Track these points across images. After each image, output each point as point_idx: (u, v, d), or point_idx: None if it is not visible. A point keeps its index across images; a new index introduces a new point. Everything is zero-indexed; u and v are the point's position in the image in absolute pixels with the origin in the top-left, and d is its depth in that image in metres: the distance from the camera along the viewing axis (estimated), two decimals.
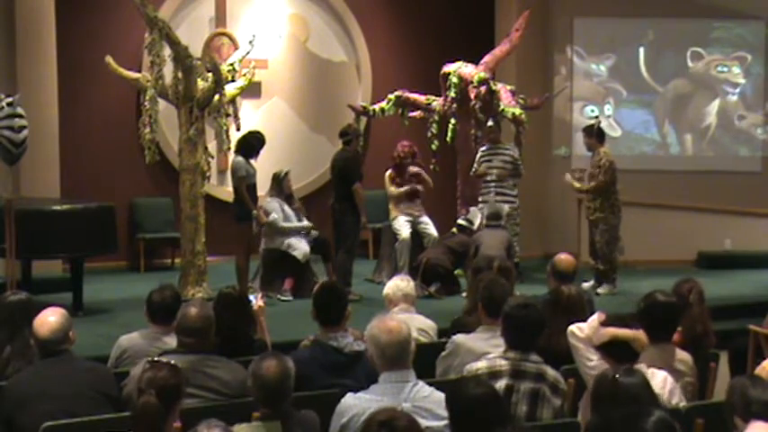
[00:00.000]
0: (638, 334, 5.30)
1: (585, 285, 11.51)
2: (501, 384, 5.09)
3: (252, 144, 11.27)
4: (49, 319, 5.42)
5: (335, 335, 5.68)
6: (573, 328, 5.69)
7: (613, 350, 5.24)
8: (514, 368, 5.21)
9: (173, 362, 4.67)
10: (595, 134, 11.91)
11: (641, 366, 5.25)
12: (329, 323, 5.74)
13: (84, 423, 4.98)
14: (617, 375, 4.48)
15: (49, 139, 12.84)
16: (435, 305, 10.31)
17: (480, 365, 5.25)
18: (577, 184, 11.83)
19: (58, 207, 10.69)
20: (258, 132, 11.48)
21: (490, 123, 12.22)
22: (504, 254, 11.41)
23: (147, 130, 11.23)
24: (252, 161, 11.23)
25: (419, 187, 12.16)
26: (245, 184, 10.97)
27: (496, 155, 12.17)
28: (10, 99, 9.41)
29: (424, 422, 4.35)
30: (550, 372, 5.35)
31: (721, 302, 10.39)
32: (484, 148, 12.26)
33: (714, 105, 15.36)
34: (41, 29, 12.94)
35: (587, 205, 11.91)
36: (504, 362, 5.25)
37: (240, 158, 11.09)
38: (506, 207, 11.96)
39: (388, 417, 3.91)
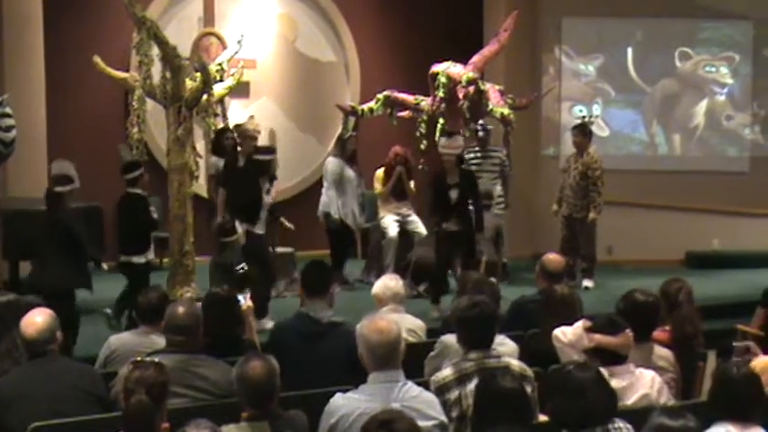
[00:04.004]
0: (622, 340, 5.33)
1: (587, 284, 11.92)
2: (472, 386, 5.09)
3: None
4: (36, 319, 5.42)
5: (315, 307, 6.11)
6: (557, 332, 5.75)
7: (600, 354, 5.29)
8: (480, 367, 5.21)
9: (157, 360, 4.66)
10: (588, 134, 12.09)
11: (628, 366, 5.29)
12: (312, 294, 6.17)
13: (72, 423, 4.97)
14: (570, 369, 4.53)
15: (36, 138, 12.79)
16: (424, 305, 10.30)
17: (447, 373, 5.25)
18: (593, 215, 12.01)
19: (44, 207, 10.63)
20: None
21: (483, 126, 12.25)
22: (491, 244, 11.52)
23: (135, 129, 11.21)
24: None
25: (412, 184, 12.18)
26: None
27: (486, 158, 12.19)
28: None
29: None
30: (515, 362, 5.40)
31: (709, 302, 10.40)
32: (474, 150, 12.29)
33: (702, 105, 15.39)
34: (29, 28, 12.89)
35: (572, 203, 11.98)
36: (468, 363, 5.25)
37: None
38: (498, 188, 12.01)
39: (389, 418, 3.94)
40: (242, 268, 9.17)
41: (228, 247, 9.60)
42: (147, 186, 9.97)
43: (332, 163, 11.95)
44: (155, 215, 9.92)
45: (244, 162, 10.57)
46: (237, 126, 11.36)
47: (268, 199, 10.83)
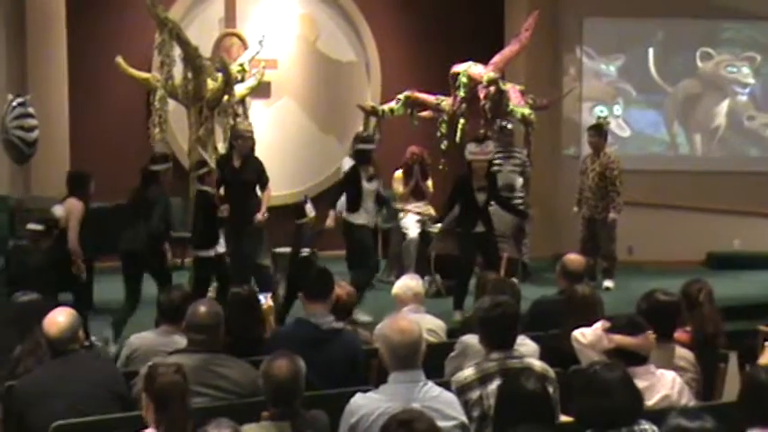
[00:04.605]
0: (642, 341, 5.32)
1: (608, 284, 11.93)
2: (493, 386, 5.09)
3: None
4: (59, 319, 5.45)
5: (316, 313, 6.07)
6: (576, 333, 5.74)
7: (622, 355, 5.28)
8: (502, 367, 5.20)
9: (177, 359, 4.69)
10: (604, 134, 12.14)
11: (649, 367, 5.27)
12: (313, 299, 6.14)
13: (94, 422, 4.99)
14: (596, 369, 4.52)
15: (59, 138, 12.87)
16: (445, 305, 10.27)
17: (469, 373, 5.23)
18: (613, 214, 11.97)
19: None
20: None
21: (504, 124, 12.20)
22: (512, 241, 11.42)
23: (157, 129, 11.27)
24: None
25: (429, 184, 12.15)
26: None
27: (508, 158, 12.15)
28: (21, 99, 9.47)
29: None
30: (537, 363, 5.38)
31: (730, 303, 10.35)
32: (497, 150, 12.27)
33: (724, 106, 15.33)
34: (52, 29, 12.97)
35: (593, 204, 11.96)
36: (491, 364, 5.23)
37: None
38: (520, 180, 11.98)
39: (409, 418, 3.95)
40: (308, 252, 9.32)
41: (304, 228, 9.86)
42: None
43: (348, 163, 11.96)
44: (223, 213, 10.00)
45: (239, 162, 10.45)
46: (232, 127, 11.31)
47: None
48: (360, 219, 10.45)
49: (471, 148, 10.35)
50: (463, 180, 10.33)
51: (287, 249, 11.08)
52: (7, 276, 8.61)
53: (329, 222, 10.30)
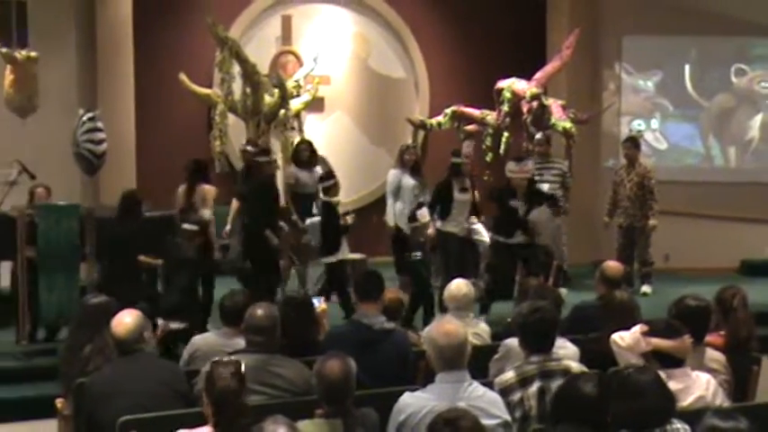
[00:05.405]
0: (678, 344, 5.29)
1: (646, 289, 11.88)
2: (534, 388, 5.08)
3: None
4: (126, 320, 5.49)
5: (368, 314, 6.13)
6: (615, 337, 5.71)
7: (659, 357, 5.25)
8: (542, 370, 5.19)
9: (235, 358, 4.72)
10: (638, 146, 12.27)
11: (685, 369, 5.24)
12: (365, 299, 6.24)
13: (158, 417, 5.03)
14: (630, 371, 4.49)
15: (126, 150, 13.00)
16: (494, 309, 10.21)
17: (509, 376, 5.22)
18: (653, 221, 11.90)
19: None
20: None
21: (539, 136, 12.17)
22: (553, 244, 11.28)
23: (218, 142, 11.37)
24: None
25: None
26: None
27: (547, 168, 12.09)
28: (91, 114, 9.55)
29: None
30: (575, 365, 5.36)
31: (763, 308, 10.25)
32: (536, 161, 12.21)
33: (757, 119, 15.18)
34: (120, 49, 13.12)
35: (631, 213, 11.90)
36: (530, 367, 5.22)
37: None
38: (546, 185, 11.80)
39: (454, 416, 3.95)
40: (416, 256, 9.76)
41: (418, 230, 10.12)
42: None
43: (390, 174, 11.94)
44: (349, 220, 10.17)
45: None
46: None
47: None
48: (449, 227, 10.55)
49: (511, 166, 10.34)
50: (501, 192, 10.35)
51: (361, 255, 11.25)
52: (165, 268, 9.09)
53: (431, 231, 10.41)
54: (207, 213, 9.57)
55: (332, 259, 10.02)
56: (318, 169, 11.37)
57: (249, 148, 11.03)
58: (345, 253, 10.27)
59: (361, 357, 5.15)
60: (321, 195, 10.47)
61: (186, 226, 9.09)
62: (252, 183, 10.38)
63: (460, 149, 10.87)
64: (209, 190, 10.01)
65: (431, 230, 10.42)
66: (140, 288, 9.12)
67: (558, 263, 11.22)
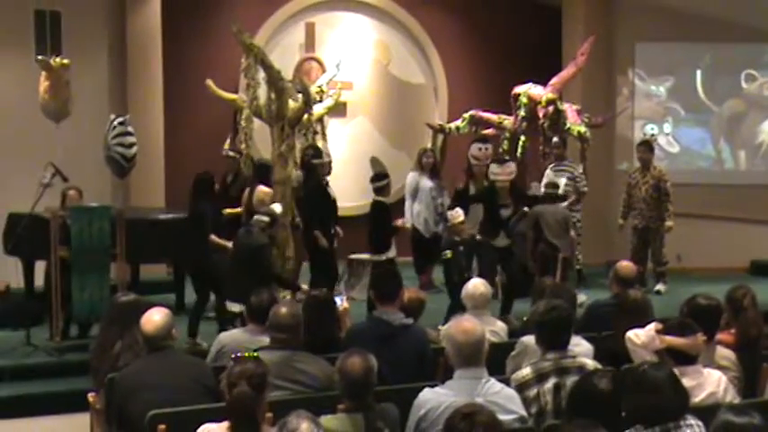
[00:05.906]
0: (691, 341, 5.27)
1: (661, 288, 11.93)
2: (549, 384, 5.07)
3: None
4: (155, 317, 5.51)
5: (388, 311, 6.13)
6: (630, 334, 5.69)
7: (672, 354, 5.23)
8: (557, 367, 5.19)
9: (258, 355, 4.71)
10: (652, 149, 12.21)
11: (698, 366, 5.22)
12: (383, 299, 6.21)
13: (186, 412, 5.04)
14: (645, 367, 4.48)
15: (155, 154, 13.06)
16: (514, 307, 10.16)
17: (526, 372, 5.22)
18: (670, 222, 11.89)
19: (162, 216, 10.83)
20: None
21: (555, 140, 12.16)
22: (565, 240, 10.84)
23: (243, 146, 11.36)
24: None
25: None
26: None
27: (562, 171, 12.06)
28: (121, 119, 9.57)
29: None
30: (589, 362, 5.36)
31: None
32: (551, 166, 12.17)
33: (766, 124, 15.10)
34: (149, 56, 13.19)
35: (647, 215, 11.86)
36: (546, 363, 5.22)
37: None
38: (563, 180, 11.67)
39: (471, 411, 3.95)
40: (445, 255, 9.65)
41: (450, 231, 10.01)
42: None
43: (409, 176, 12.01)
44: (407, 225, 10.20)
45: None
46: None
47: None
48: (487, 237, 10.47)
49: (494, 168, 10.24)
50: (487, 193, 10.28)
51: (364, 256, 11.16)
52: (235, 253, 8.96)
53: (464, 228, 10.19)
54: (278, 207, 9.56)
55: (381, 257, 9.99)
56: None
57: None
58: (393, 252, 10.24)
59: (381, 351, 5.15)
60: (373, 195, 10.49)
61: (258, 217, 9.12)
62: (308, 185, 10.56)
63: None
64: (260, 190, 10.04)
65: (464, 227, 10.05)
66: (210, 265, 9.27)
67: (564, 254, 10.51)
